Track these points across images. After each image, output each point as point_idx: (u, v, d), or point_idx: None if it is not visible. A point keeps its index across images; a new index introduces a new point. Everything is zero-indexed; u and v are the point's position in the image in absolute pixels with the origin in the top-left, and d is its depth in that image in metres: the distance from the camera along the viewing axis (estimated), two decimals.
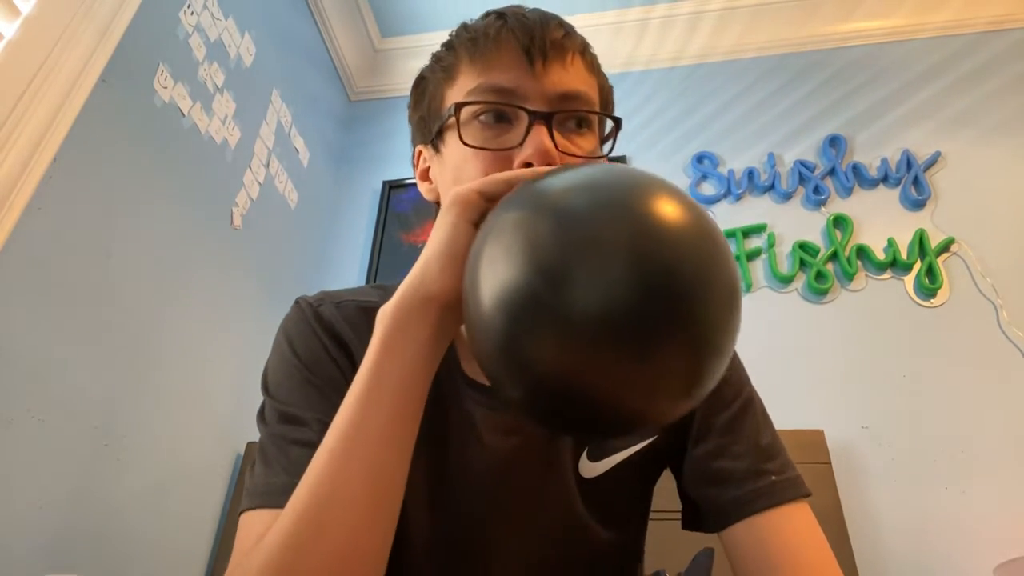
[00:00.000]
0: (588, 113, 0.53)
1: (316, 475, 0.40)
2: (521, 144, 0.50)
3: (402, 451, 0.43)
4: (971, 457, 1.35)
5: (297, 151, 1.84)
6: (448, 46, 0.57)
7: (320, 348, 0.54)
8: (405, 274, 0.45)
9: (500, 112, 0.52)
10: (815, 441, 1.33)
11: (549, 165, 0.48)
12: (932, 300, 1.55)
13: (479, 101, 0.52)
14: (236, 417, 1.46)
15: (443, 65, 0.57)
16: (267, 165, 1.68)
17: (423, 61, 0.60)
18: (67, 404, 1.05)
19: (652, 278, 0.32)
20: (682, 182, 1.83)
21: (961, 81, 1.82)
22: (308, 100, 1.94)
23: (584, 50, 0.56)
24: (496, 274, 0.36)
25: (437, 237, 0.44)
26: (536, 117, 0.50)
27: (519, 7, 0.56)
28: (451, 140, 0.54)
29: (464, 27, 0.57)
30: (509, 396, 0.38)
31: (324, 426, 0.43)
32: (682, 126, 1.94)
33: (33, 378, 0.99)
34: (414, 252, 1.65)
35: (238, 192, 1.54)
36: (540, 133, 0.49)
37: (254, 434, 0.55)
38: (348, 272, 1.89)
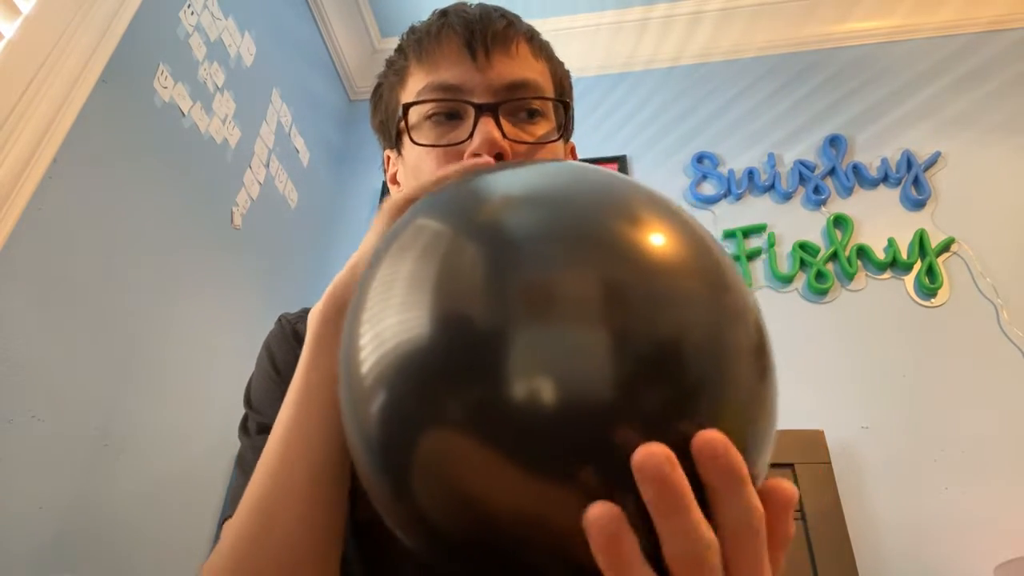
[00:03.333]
0: (535, 100, 0.53)
1: (263, 469, 0.43)
2: (470, 138, 0.50)
3: (341, 441, 0.43)
4: (971, 457, 1.35)
5: (297, 151, 1.84)
6: (399, 50, 0.58)
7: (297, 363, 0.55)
8: None
9: (449, 110, 0.52)
10: (815, 441, 1.33)
11: (499, 155, 0.48)
12: (932, 300, 1.55)
13: (425, 100, 0.52)
14: (236, 417, 1.45)
15: (394, 69, 0.58)
16: (267, 165, 1.68)
17: None
18: (67, 404, 1.04)
19: (641, 357, 0.20)
20: (682, 182, 1.83)
21: (961, 81, 1.81)
22: (308, 100, 1.94)
23: (531, 37, 0.56)
24: (388, 316, 0.22)
25: (367, 241, 0.44)
26: (482, 109, 0.50)
27: (463, 4, 0.56)
28: (407, 142, 0.54)
29: (412, 29, 0.57)
30: (403, 540, 0.25)
31: None
32: (682, 126, 1.94)
33: (33, 378, 0.99)
34: None
35: (238, 192, 1.54)
36: (487, 124, 0.49)
37: None
38: None
